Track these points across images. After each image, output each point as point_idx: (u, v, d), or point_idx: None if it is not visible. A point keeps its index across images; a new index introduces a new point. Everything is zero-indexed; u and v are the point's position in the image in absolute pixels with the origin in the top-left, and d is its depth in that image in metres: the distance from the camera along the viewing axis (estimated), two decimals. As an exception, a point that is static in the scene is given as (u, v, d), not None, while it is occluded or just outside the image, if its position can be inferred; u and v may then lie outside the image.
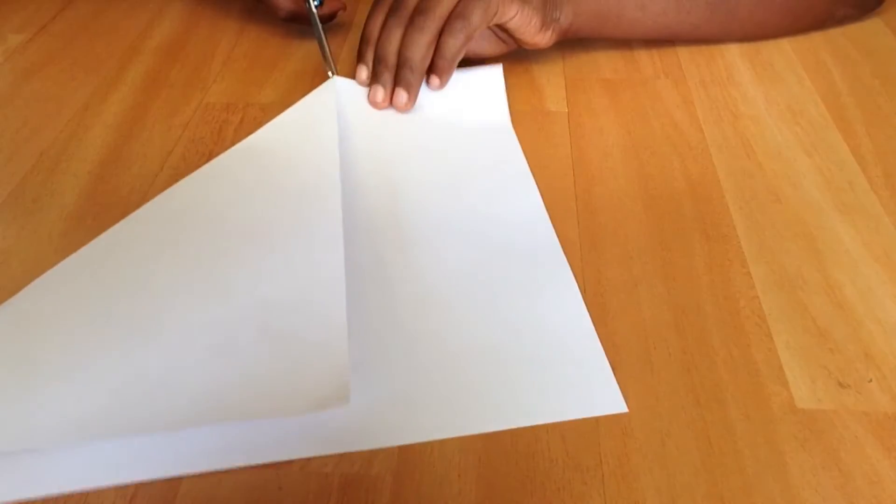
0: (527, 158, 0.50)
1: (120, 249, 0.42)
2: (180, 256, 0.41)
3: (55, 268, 0.41)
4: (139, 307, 0.38)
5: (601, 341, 0.39)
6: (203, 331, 0.37)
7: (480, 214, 0.46)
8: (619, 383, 0.37)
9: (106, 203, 0.47)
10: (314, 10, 0.54)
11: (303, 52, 0.61)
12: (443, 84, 0.52)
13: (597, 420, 0.35)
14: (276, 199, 0.45)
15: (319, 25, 0.54)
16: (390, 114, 0.52)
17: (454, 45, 0.50)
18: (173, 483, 0.33)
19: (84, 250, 0.42)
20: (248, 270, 0.40)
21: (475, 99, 0.54)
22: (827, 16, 0.62)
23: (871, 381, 0.37)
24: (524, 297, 0.41)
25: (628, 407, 0.36)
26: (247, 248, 0.42)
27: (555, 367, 0.37)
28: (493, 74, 0.55)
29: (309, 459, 0.34)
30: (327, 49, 0.54)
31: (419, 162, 0.50)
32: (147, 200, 0.46)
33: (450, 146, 0.51)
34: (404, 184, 0.48)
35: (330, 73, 0.53)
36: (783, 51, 0.61)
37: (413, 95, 0.51)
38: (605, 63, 0.60)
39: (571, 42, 0.62)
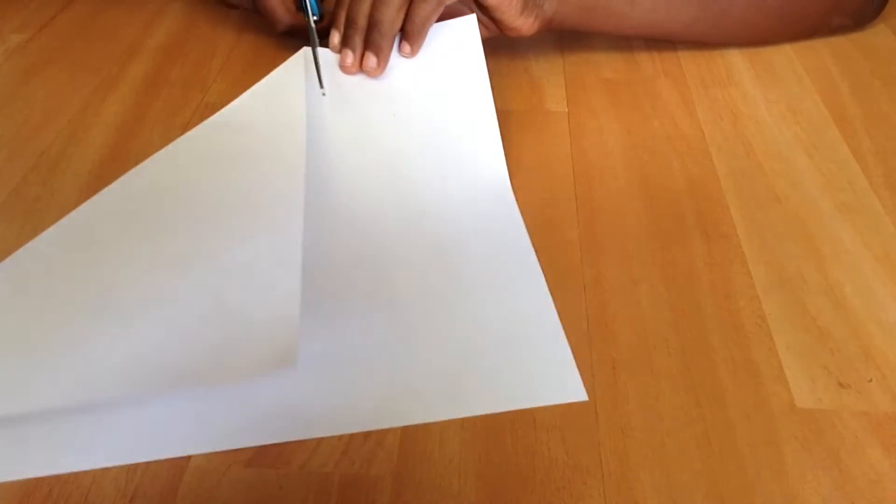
0: (526, 158, 0.50)
1: (85, 229, 0.43)
2: (144, 232, 0.42)
3: (19, 251, 0.42)
4: (99, 283, 0.39)
5: (600, 342, 0.39)
6: (160, 303, 0.38)
7: (449, 189, 0.47)
8: (619, 383, 0.37)
9: (106, 203, 0.47)
10: (313, 25, 0.52)
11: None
12: (414, 52, 0.50)
13: (597, 420, 0.35)
14: (241, 174, 0.45)
15: (317, 41, 0.53)
16: (365, 79, 0.51)
17: (425, 9, 0.49)
18: (173, 483, 0.33)
19: (48, 231, 0.43)
20: (208, 243, 0.41)
21: (450, 53, 0.52)
22: (821, 24, 0.62)
23: (871, 381, 0.37)
24: (490, 288, 0.42)
25: (629, 406, 0.36)
26: (207, 224, 0.42)
27: (518, 356, 0.38)
28: (466, 24, 0.52)
29: (309, 459, 0.34)
30: (321, 67, 0.51)
31: (394, 131, 0.49)
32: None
33: (424, 109, 0.50)
34: (376, 158, 0.48)
35: (322, 92, 0.50)
36: (783, 51, 0.61)
37: (383, 59, 0.50)
38: (605, 63, 0.60)
39: (571, 42, 0.62)
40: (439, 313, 0.40)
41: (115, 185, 0.45)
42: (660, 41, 0.62)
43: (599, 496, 0.33)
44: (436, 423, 0.35)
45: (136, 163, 0.50)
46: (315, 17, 0.53)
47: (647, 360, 0.38)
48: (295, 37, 0.58)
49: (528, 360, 0.38)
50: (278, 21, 0.57)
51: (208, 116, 0.54)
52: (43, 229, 0.45)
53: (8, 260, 0.41)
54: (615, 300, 0.41)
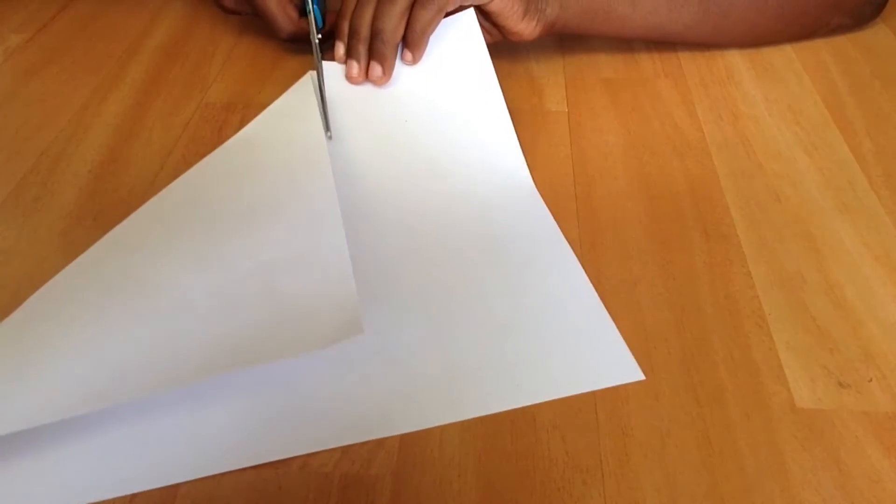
0: (527, 158, 0.50)
1: (123, 247, 0.43)
2: (182, 244, 0.42)
3: (61, 273, 0.41)
4: (142, 288, 0.39)
5: (601, 341, 0.39)
6: (204, 295, 0.38)
7: (472, 183, 0.47)
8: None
9: (106, 203, 0.47)
10: (316, 41, 0.52)
11: (303, 51, 0.61)
12: (415, 59, 0.51)
13: (597, 420, 0.35)
14: (272, 185, 0.46)
15: (320, 55, 0.52)
16: (372, 89, 0.51)
17: (425, 16, 0.49)
18: (173, 483, 0.33)
19: (90, 250, 0.42)
20: (248, 242, 0.41)
21: (453, 49, 0.52)
22: (821, 23, 0.62)
23: (871, 381, 0.37)
24: (530, 275, 0.42)
25: (629, 406, 0.36)
26: (246, 228, 0.43)
27: (570, 342, 0.39)
28: (465, 19, 0.51)
29: (309, 459, 0.34)
30: (326, 100, 0.51)
31: (408, 135, 0.50)
32: (147, 200, 0.46)
33: (434, 108, 0.50)
34: (393, 163, 0.49)
35: (329, 135, 0.49)
36: (783, 51, 0.61)
37: (388, 68, 0.50)
38: (606, 63, 0.60)
39: (571, 42, 0.62)
40: (485, 307, 0.40)
41: (149, 204, 0.45)
42: (660, 42, 0.62)
43: (599, 496, 0.33)
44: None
45: (136, 163, 0.50)
46: (319, 36, 0.53)
47: (647, 359, 0.38)
48: (297, 43, 0.58)
49: (581, 346, 0.38)
50: (280, 29, 0.57)
51: (208, 116, 0.54)
52: (43, 229, 0.45)
53: (60, 274, 0.41)
54: (615, 300, 0.41)
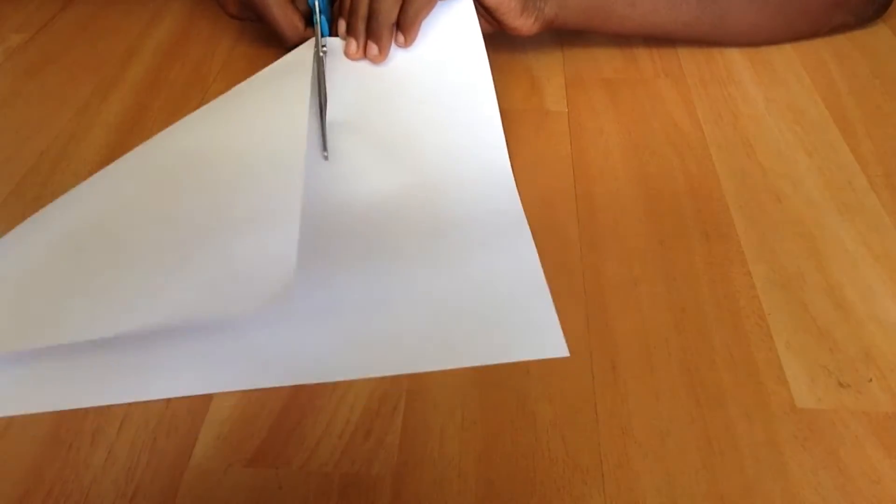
0: (527, 158, 0.50)
1: (99, 191, 0.45)
2: (154, 195, 0.45)
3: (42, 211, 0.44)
4: (118, 233, 0.42)
5: (600, 342, 0.39)
6: (168, 246, 0.41)
7: (448, 161, 0.49)
8: (619, 383, 0.37)
9: (106, 203, 0.47)
10: (322, 52, 0.52)
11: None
12: (407, 42, 0.51)
13: (597, 420, 0.35)
14: (246, 147, 0.47)
15: (325, 73, 0.52)
16: (368, 64, 0.52)
17: (418, 1, 0.49)
18: (173, 483, 0.33)
19: (67, 194, 0.45)
20: (216, 200, 0.44)
21: (448, 35, 0.53)
22: (823, 21, 0.61)
23: (871, 380, 0.37)
24: (479, 247, 0.44)
25: (629, 406, 0.36)
26: (214, 187, 0.45)
27: (503, 312, 0.41)
28: (464, 6, 0.52)
29: (309, 459, 0.34)
30: (326, 120, 0.50)
31: (394, 109, 0.51)
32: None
33: (424, 89, 0.52)
34: (378, 134, 0.50)
35: (325, 155, 0.49)
36: (783, 50, 0.61)
37: (384, 47, 0.51)
38: (605, 63, 0.60)
39: (571, 42, 0.62)
40: (430, 270, 0.43)
41: (133, 152, 0.47)
42: (660, 40, 0.62)
43: (599, 496, 0.33)
44: (436, 423, 0.35)
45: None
46: (324, 49, 0.53)
47: (647, 360, 0.38)
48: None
49: (512, 316, 0.40)
50: (285, 38, 0.55)
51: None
52: (43, 229, 0.45)
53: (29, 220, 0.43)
54: (615, 300, 0.41)
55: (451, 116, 0.51)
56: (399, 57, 0.52)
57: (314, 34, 0.53)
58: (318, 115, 0.50)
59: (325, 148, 0.48)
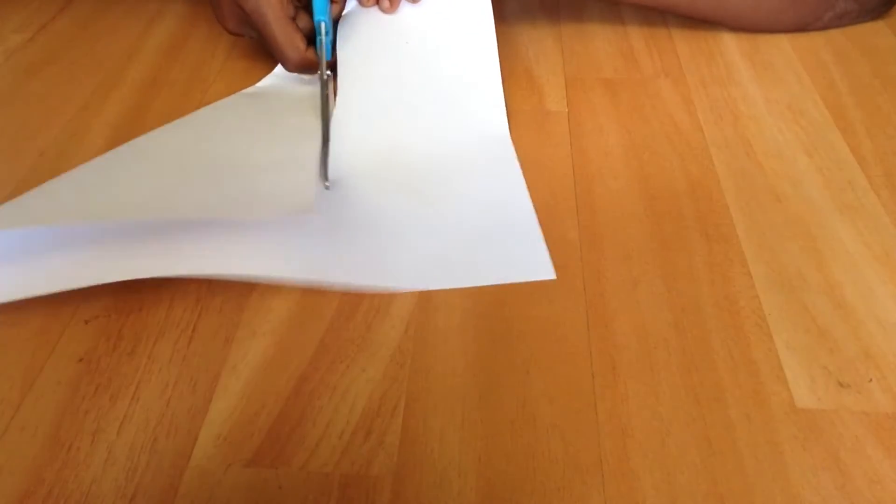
0: (527, 158, 0.50)
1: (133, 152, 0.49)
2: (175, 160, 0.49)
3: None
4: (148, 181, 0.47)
5: (600, 342, 0.39)
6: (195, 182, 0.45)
7: (448, 118, 0.53)
8: (619, 383, 0.37)
9: (106, 203, 0.47)
10: (325, 76, 0.51)
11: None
12: None
13: (597, 420, 0.35)
14: (266, 130, 0.52)
15: (330, 97, 0.52)
16: (377, 21, 0.55)
17: None
18: (173, 483, 0.33)
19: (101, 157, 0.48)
20: (235, 155, 0.48)
21: (459, 6, 0.55)
22: (825, 7, 0.61)
23: (871, 381, 0.37)
24: (472, 182, 0.48)
25: (629, 406, 0.36)
26: (236, 145, 0.50)
27: (493, 237, 0.44)
28: None
29: (309, 459, 0.34)
30: (329, 153, 0.49)
31: (401, 67, 0.54)
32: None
33: (429, 49, 0.55)
34: (382, 91, 0.53)
35: (326, 185, 0.47)
36: (783, 50, 0.61)
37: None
38: (605, 63, 0.60)
39: (571, 42, 0.62)
40: (432, 207, 0.47)
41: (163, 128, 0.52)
42: (659, 38, 0.62)
43: (599, 496, 0.33)
44: (436, 423, 0.35)
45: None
46: (328, 73, 0.53)
47: (647, 360, 0.38)
48: (307, 72, 0.55)
49: (502, 241, 0.44)
50: (286, 59, 0.53)
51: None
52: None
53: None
54: (615, 300, 0.41)
55: (453, 73, 0.54)
56: (407, 11, 0.55)
57: (316, 55, 0.53)
58: (322, 142, 0.49)
59: (326, 178, 0.47)
